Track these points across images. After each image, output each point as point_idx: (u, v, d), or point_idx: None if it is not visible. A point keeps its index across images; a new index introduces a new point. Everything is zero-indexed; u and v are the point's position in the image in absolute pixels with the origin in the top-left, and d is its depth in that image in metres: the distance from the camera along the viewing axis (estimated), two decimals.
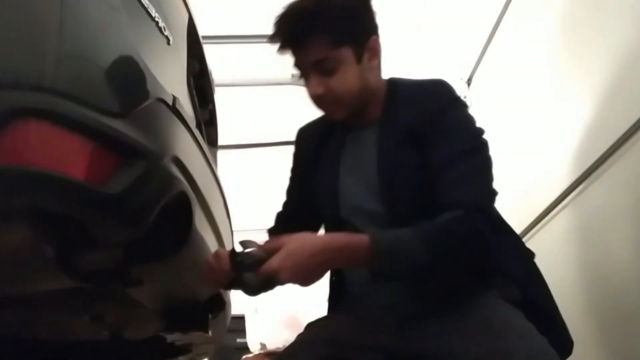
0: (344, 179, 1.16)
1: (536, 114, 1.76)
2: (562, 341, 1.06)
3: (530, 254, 1.17)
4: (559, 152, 1.59)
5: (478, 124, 1.12)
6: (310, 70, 1.08)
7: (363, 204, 1.13)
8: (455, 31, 2.48)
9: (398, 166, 1.08)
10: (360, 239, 0.97)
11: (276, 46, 1.10)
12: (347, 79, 1.08)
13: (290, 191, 1.31)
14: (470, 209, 0.99)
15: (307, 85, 1.10)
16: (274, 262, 0.95)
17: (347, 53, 1.07)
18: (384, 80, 1.17)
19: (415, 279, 1.02)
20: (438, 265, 0.97)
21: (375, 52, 1.12)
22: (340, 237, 1.01)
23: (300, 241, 0.97)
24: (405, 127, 1.09)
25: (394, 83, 1.16)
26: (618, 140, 1.31)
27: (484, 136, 1.11)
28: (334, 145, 1.19)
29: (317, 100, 1.10)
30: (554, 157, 1.63)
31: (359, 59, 1.08)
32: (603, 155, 1.37)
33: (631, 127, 1.26)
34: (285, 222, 1.30)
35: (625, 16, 1.30)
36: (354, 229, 1.13)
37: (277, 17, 1.07)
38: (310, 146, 1.25)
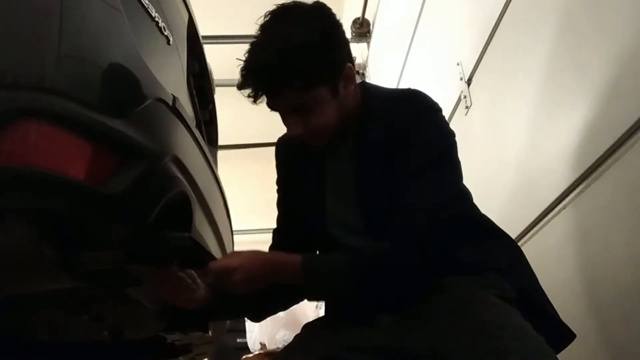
0: (328, 192, 1.16)
1: (536, 113, 1.76)
2: (558, 331, 1.07)
3: (517, 248, 1.17)
4: (559, 152, 1.59)
5: (447, 129, 1.12)
6: (287, 114, 1.07)
7: (344, 217, 1.14)
8: (455, 31, 2.48)
9: (372, 183, 1.09)
10: (296, 260, 1.03)
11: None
12: (324, 115, 1.06)
13: (280, 204, 1.30)
14: (403, 243, 1.02)
15: (285, 124, 1.09)
16: (232, 260, 1.03)
17: (322, 92, 1.04)
18: (359, 89, 1.14)
19: (348, 301, 1.08)
20: (364, 295, 1.04)
21: (350, 78, 1.09)
22: (283, 255, 1.08)
23: (251, 252, 1.05)
24: (376, 144, 1.09)
25: (367, 93, 1.15)
26: (618, 140, 1.31)
27: (449, 142, 1.11)
28: (315, 156, 1.18)
29: (297, 138, 1.09)
30: (554, 157, 1.63)
31: (334, 94, 1.06)
32: (603, 155, 1.37)
33: (631, 127, 1.26)
34: (283, 236, 1.28)
35: (625, 16, 1.30)
36: (338, 243, 1.16)
37: (242, 72, 1.04)
38: (291, 157, 1.24)
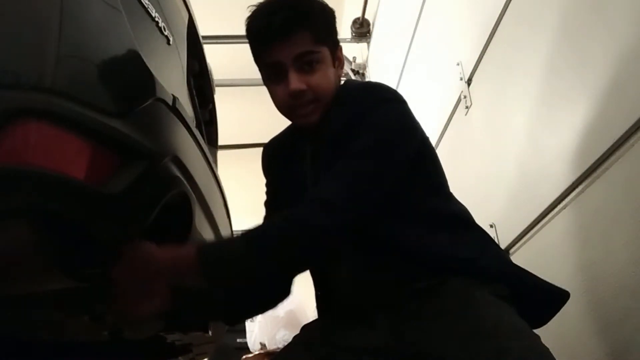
0: (308, 189, 1.16)
1: (536, 113, 1.76)
2: (552, 295, 1.09)
3: (487, 236, 1.17)
4: (559, 152, 1.59)
5: (402, 119, 1.10)
6: (290, 66, 1.07)
7: None
8: (455, 31, 2.48)
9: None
10: (188, 250, 0.95)
11: (255, 41, 1.10)
12: (326, 77, 1.10)
13: (266, 204, 1.30)
14: (311, 204, 0.99)
15: (287, 82, 1.07)
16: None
17: (326, 53, 1.10)
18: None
19: (255, 281, 1.01)
20: (269, 267, 0.97)
21: (341, 63, 1.16)
22: (169, 250, 0.96)
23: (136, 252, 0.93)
24: (334, 137, 1.09)
25: (341, 88, 1.16)
26: (618, 140, 1.31)
27: (405, 133, 1.09)
28: (297, 156, 1.19)
29: (297, 97, 1.08)
30: (554, 157, 1.63)
31: (333, 62, 1.13)
32: (603, 155, 1.37)
33: (631, 127, 1.26)
34: None
35: (625, 15, 1.30)
36: None
37: (256, 11, 1.09)
38: (277, 161, 1.25)
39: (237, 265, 0.96)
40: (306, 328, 1.18)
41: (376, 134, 1.05)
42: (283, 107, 1.12)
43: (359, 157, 1.03)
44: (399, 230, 1.05)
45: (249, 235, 0.98)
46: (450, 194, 1.18)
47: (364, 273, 1.09)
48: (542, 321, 1.08)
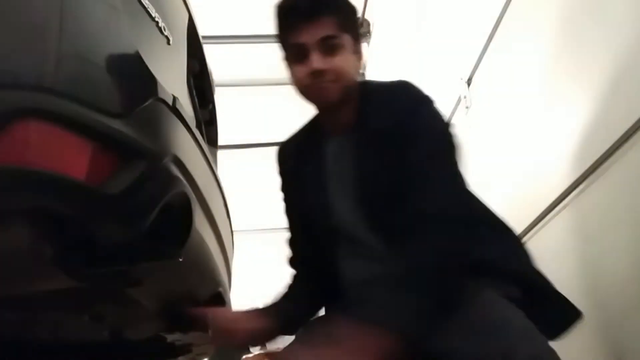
0: (330, 187, 1.16)
1: (536, 113, 1.76)
2: (566, 311, 1.09)
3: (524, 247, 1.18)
4: (559, 152, 1.59)
5: (444, 120, 1.14)
6: (315, 48, 1.09)
7: (346, 214, 1.13)
8: (455, 31, 2.48)
9: (374, 178, 1.09)
10: (369, 333, 0.90)
11: (284, 29, 1.12)
12: (348, 61, 1.12)
13: (287, 211, 1.29)
14: (437, 224, 1.00)
15: (309, 61, 1.09)
16: None
17: (349, 40, 1.12)
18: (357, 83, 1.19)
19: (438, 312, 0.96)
20: (436, 295, 0.95)
21: (361, 57, 1.18)
22: (350, 343, 0.91)
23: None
24: (378, 133, 1.10)
25: (364, 86, 1.18)
26: (618, 140, 1.31)
27: (451, 130, 1.12)
28: (316, 155, 1.19)
29: (317, 76, 1.09)
30: (553, 157, 1.63)
31: (354, 52, 1.14)
32: (603, 155, 1.37)
33: (631, 127, 1.26)
34: (298, 246, 1.28)
35: (625, 16, 1.30)
36: (345, 238, 1.15)
37: None
38: (293, 161, 1.25)
39: (409, 309, 0.93)
40: (309, 326, 1.18)
41: (435, 137, 1.09)
42: (302, 85, 1.13)
43: (437, 162, 1.06)
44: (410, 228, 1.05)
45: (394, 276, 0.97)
46: (471, 192, 1.19)
47: (372, 271, 1.09)
48: (551, 336, 1.02)
